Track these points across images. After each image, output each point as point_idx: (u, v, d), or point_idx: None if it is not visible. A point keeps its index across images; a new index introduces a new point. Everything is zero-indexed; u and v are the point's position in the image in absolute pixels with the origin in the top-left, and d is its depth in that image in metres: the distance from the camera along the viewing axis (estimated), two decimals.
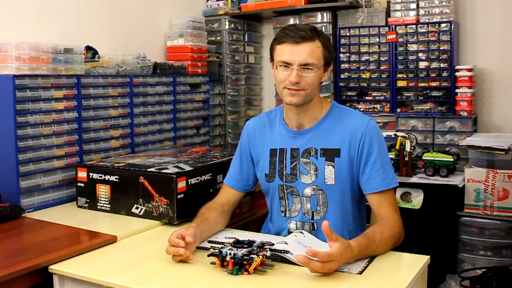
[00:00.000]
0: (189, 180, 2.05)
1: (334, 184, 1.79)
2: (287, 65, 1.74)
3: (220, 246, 1.58)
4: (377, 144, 1.78)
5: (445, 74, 3.22)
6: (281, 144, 1.88)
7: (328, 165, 1.79)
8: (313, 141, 1.83)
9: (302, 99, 1.77)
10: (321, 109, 1.86)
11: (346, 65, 3.48)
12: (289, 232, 1.84)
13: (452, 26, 3.15)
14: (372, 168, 1.77)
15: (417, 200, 2.77)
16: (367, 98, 3.46)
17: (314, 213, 1.83)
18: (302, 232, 1.75)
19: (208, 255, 1.54)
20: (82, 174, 2.22)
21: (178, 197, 1.98)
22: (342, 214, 1.82)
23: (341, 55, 3.48)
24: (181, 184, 2.00)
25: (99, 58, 2.64)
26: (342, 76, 3.50)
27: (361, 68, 3.45)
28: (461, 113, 3.15)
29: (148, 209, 2.05)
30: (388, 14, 3.39)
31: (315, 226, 1.82)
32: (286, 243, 1.61)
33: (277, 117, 1.94)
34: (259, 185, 2.04)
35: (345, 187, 1.80)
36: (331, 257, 1.44)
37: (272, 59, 1.83)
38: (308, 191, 1.82)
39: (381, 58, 3.39)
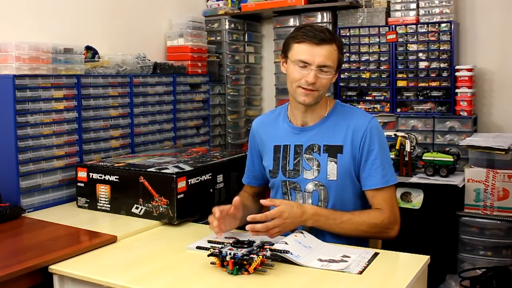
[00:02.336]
0: (189, 180, 2.05)
1: (336, 180, 1.81)
2: (305, 64, 1.76)
3: (220, 246, 1.58)
4: (378, 142, 1.81)
5: (445, 74, 3.22)
6: (284, 140, 1.91)
7: (331, 161, 1.82)
8: (317, 137, 1.86)
9: (314, 100, 1.81)
10: (325, 108, 1.90)
11: (346, 65, 3.48)
12: None
13: (452, 26, 3.15)
14: (372, 165, 1.80)
15: (417, 200, 2.77)
16: (367, 98, 3.45)
17: None
18: (302, 232, 1.75)
19: (208, 255, 1.54)
20: (82, 174, 2.22)
21: (178, 197, 1.99)
22: (343, 210, 1.83)
23: None
24: (181, 184, 2.01)
25: (99, 58, 2.64)
26: (342, 76, 3.50)
27: (361, 68, 3.44)
28: (461, 113, 3.15)
29: (148, 209, 2.05)
30: (388, 14, 3.39)
31: None
32: (286, 243, 1.62)
33: (281, 115, 1.98)
34: None
35: (346, 183, 1.83)
36: (269, 216, 1.67)
37: (285, 56, 1.84)
38: (310, 186, 1.84)
39: (381, 58, 3.39)
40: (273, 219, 1.67)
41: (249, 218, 1.65)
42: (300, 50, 1.77)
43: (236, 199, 1.78)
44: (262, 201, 1.76)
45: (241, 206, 1.81)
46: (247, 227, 1.66)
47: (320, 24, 3.49)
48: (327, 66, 1.76)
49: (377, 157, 1.80)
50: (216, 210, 1.74)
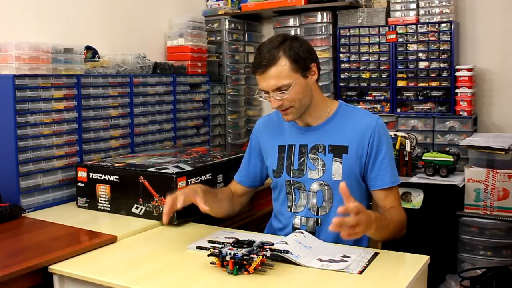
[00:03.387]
0: (189, 180, 2.05)
1: (341, 180, 1.81)
2: (265, 93, 1.79)
3: (220, 246, 1.58)
4: (386, 142, 1.83)
5: (445, 74, 3.22)
6: (290, 140, 1.92)
7: (336, 161, 1.82)
8: (322, 137, 1.86)
9: (296, 114, 1.82)
10: (326, 108, 1.89)
11: (346, 65, 3.48)
12: (294, 228, 1.86)
13: (452, 26, 3.16)
14: (381, 165, 1.81)
15: (417, 200, 2.78)
16: (367, 98, 3.46)
17: (319, 208, 1.84)
18: (302, 232, 1.75)
19: (208, 255, 1.54)
20: (82, 174, 2.22)
21: None
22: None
23: (341, 55, 3.48)
24: (181, 184, 2.01)
25: (99, 58, 2.64)
26: (342, 76, 3.50)
27: (361, 68, 3.45)
28: (461, 113, 3.15)
29: (148, 209, 2.05)
30: (388, 14, 3.39)
31: (319, 222, 1.84)
32: (286, 243, 1.62)
33: None
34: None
35: (351, 184, 1.82)
36: (361, 208, 1.46)
37: None
38: (314, 186, 1.84)
39: (381, 58, 3.39)
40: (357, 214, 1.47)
41: (340, 209, 1.45)
42: (257, 80, 1.80)
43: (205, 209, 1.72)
44: (343, 187, 1.48)
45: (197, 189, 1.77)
46: (334, 221, 1.41)
47: (320, 24, 3.50)
48: (280, 87, 1.75)
49: (385, 157, 1.81)
50: (179, 197, 1.70)
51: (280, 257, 1.55)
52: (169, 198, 1.71)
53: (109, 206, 2.15)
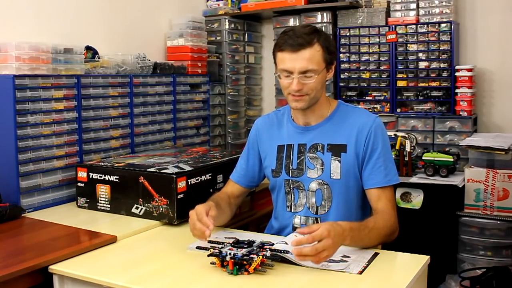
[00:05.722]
0: (189, 180, 2.05)
1: (339, 179, 1.82)
2: (288, 73, 1.77)
3: (220, 246, 1.59)
4: (381, 141, 1.83)
5: (445, 74, 3.22)
6: (288, 140, 1.92)
7: (335, 160, 1.83)
8: (320, 136, 1.87)
9: (307, 104, 1.81)
10: (327, 107, 1.90)
11: (346, 65, 3.48)
12: (294, 228, 1.86)
13: (452, 26, 3.15)
14: (375, 164, 1.81)
15: (417, 200, 2.78)
16: (367, 98, 3.45)
17: (319, 207, 1.85)
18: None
19: (208, 255, 1.54)
20: (82, 174, 2.22)
21: (178, 197, 1.99)
22: (346, 209, 1.84)
23: (341, 55, 3.48)
24: (181, 184, 2.01)
25: (99, 58, 2.64)
26: (342, 76, 3.50)
27: (361, 68, 3.44)
28: (461, 113, 3.15)
29: (148, 209, 2.05)
30: (388, 14, 3.39)
31: (319, 221, 1.84)
32: (286, 243, 1.61)
33: (285, 115, 1.99)
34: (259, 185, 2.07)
35: (350, 182, 1.83)
36: (316, 237, 1.48)
37: (275, 64, 1.86)
38: (313, 185, 1.85)
39: (381, 58, 3.39)
40: (319, 241, 1.48)
41: (294, 242, 1.49)
42: (282, 59, 1.78)
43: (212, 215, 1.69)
44: (300, 230, 1.54)
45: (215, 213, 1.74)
46: (293, 252, 1.48)
47: (320, 24, 3.49)
48: (309, 71, 1.75)
49: (380, 156, 1.81)
50: (207, 218, 1.65)
51: (280, 257, 1.55)
52: (197, 223, 1.66)
53: (109, 206, 2.15)
